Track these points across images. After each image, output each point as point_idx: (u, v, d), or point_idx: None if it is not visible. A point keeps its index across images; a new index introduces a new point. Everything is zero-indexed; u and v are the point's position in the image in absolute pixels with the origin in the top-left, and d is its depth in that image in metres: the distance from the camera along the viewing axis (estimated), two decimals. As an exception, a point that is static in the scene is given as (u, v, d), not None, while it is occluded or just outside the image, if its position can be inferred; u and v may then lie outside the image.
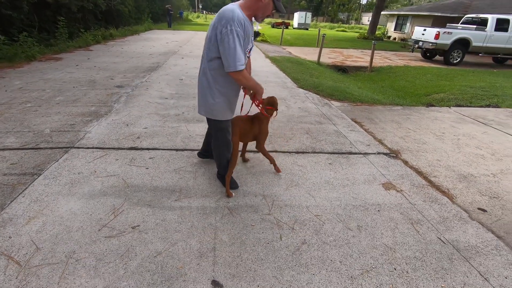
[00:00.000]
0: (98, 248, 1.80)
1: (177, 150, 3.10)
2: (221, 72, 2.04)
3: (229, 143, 2.34)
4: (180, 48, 10.83)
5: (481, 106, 5.91)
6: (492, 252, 2.02)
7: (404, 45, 17.98)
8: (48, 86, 5.05)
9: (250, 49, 2.12)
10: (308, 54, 12.52)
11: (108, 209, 2.15)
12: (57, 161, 2.73)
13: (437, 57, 12.99)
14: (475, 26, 11.78)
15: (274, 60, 9.62)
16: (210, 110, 2.18)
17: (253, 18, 2.04)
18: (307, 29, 32.86)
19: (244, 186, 2.56)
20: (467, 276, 1.80)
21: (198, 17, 37.70)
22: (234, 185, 2.51)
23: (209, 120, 2.35)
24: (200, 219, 2.12)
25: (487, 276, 1.82)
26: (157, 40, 12.94)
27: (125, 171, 2.64)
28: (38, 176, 2.48)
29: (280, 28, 17.45)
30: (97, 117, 3.83)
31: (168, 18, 21.05)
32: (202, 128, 3.68)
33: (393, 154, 3.43)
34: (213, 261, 1.77)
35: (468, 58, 12.96)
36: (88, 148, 3.01)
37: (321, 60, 11.02)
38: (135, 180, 2.52)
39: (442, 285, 1.73)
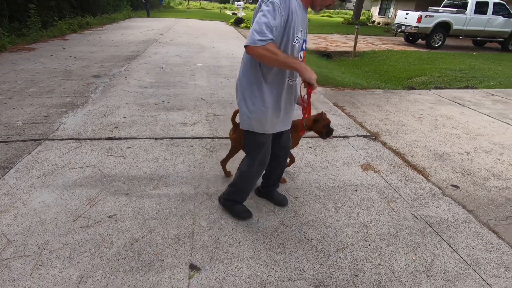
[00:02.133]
0: (72, 239, 1.77)
1: (156, 139, 3.06)
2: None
3: (260, 165, 1.88)
4: (161, 36, 10.52)
5: (460, 88, 6.05)
6: (462, 225, 2.11)
7: (388, 29, 18.04)
8: (20, 78, 4.83)
9: (302, 45, 1.62)
10: (293, 40, 12.39)
11: (83, 199, 2.11)
12: (30, 153, 2.64)
13: (419, 41, 13.13)
14: (455, 9, 11.91)
15: (257, 46, 9.47)
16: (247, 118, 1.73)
17: (309, 7, 1.63)
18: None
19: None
20: (437, 249, 1.88)
21: (180, 4, 36.54)
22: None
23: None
24: (179, 206, 2.11)
25: (456, 247, 1.90)
26: (137, 28, 12.51)
27: (102, 162, 2.58)
28: (9, 170, 2.40)
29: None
30: (72, 108, 3.71)
31: (146, 6, 20.13)
32: (182, 117, 3.63)
33: (373, 136, 3.49)
34: (191, 246, 1.78)
35: (449, 41, 13.17)
36: (62, 139, 2.92)
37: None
38: (112, 170, 2.47)
39: (413, 258, 1.80)
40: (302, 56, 1.66)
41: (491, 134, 3.72)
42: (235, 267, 1.66)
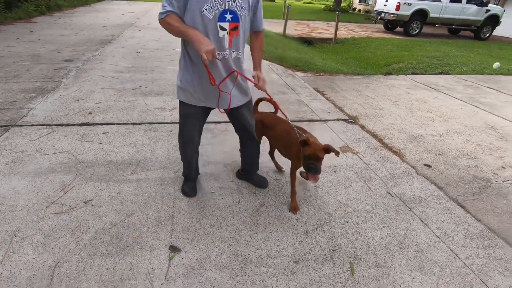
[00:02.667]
0: (46, 225, 1.71)
1: (133, 124, 2.97)
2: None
3: (182, 136, 1.94)
4: (138, 19, 10.08)
5: (434, 74, 6.25)
6: (433, 201, 2.22)
7: (368, 17, 18.21)
8: (-17, 61, 4.50)
9: (226, 16, 1.51)
10: (274, 26, 12.26)
11: (57, 186, 2.03)
12: (-4, 140, 2.50)
13: (398, 29, 13.36)
14: (432, -3, 12.15)
15: (238, 32, 9.30)
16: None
17: None
18: (274, 0, 31.99)
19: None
20: (410, 223, 1.98)
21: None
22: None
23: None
24: (158, 189, 2.08)
25: (427, 221, 2.01)
26: (112, 11, 11.91)
27: (76, 147, 2.48)
28: (-26, 157, 2.26)
29: None
30: (42, 93, 3.51)
31: None
32: (161, 102, 3.53)
33: (352, 120, 3.56)
34: (171, 228, 1.77)
35: (426, 29, 13.49)
36: (32, 125, 2.77)
37: (287, 32, 10.86)
38: (87, 156, 2.38)
39: (388, 232, 1.88)
40: (228, 28, 1.53)
41: (462, 117, 3.89)
42: (216, 247, 1.67)
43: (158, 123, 3.03)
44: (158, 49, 6.14)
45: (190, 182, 2.10)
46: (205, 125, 3.08)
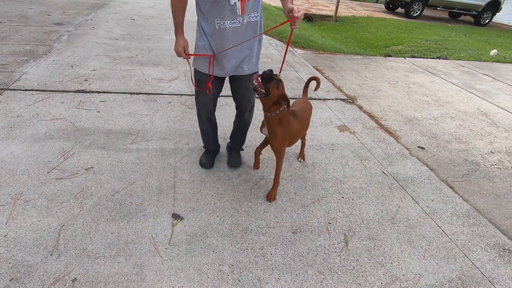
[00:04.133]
0: (48, 190, 1.72)
1: (131, 93, 2.91)
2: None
3: (196, 103, 2.00)
4: (131, -16, 9.54)
5: (433, 58, 6.25)
6: (424, 181, 2.31)
7: (370, -5, 17.71)
8: (-33, 20, 4.25)
9: None
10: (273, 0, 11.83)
11: (56, 152, 2.01)
12: (-10, 103, 2.43)
13: (399, 10, 13.09)
14: (436, -22, 11.85)
15: (237, 3, 8.95)
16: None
17: None
18: (273, -28, 30.52)
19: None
20: (402, 201, 2.07)
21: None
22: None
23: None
24: (159, 160, 2.10)
25: (417, 200, 2.10)
26: (102, -27, 11.19)
27: (73, 115, 2.44)
28: (-32, 120, 2.20)
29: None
30: (34, 57, 3.37)
31: None
32: (158, 72, 3.45)
33: (350, 100, 3.58)
34: (173, 197, 1.80)
35: (426, 12, 13.26)
36: (26, 90, 2.69)
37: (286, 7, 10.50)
38: (85, 124, 2.35)
39: (381, 208, 1.97)
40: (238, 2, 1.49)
41: (457, 102, 3.96)
42: (217, 216, 1.73)
43: (157, 93, 2.98)
44: (153, 17, 5.89)
45: (208, 154, 2.14)
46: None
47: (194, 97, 2.98)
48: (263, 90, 1.55)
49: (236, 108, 2.02)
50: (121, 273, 1.35)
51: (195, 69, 1.79)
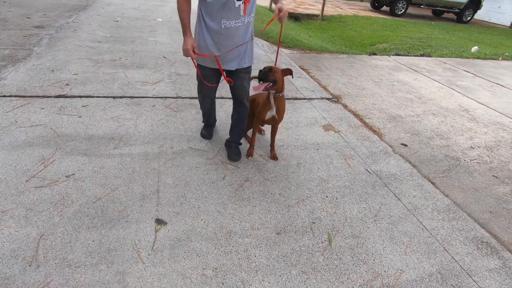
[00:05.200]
0: (27, 199, 1.68)
1: (114, 97, 2.87)
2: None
3: (200, 93, 2.25)
4: (114, -16, 9.38)
5: (416, 56, 6.38)
6: (407, 178, 2.36)
7: (356, -6, 17.91)
8: None
9: None
10: (260, -1, 11.84)
11: (36, 159, 1.97)
12: (-35, 111, 2.36)
13: (384, 8, 13.29)
14: (419, -23, 12.07)
15: (223, 3, 8.92)
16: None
17: None
18: (260, -29, 30.54)
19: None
20: (385, 198, 2.11)
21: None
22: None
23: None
24: (142, 164, 2.08)
25: (400, 196, 2.15)
26: (85, -26, 10.97)
27: (54, 120, 2.39)
28: None
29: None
30: (13, 61, 3.29)
31: None
32: (142, 75, 3.41)
33: (335, 99, 3.62)
34: (156, 202, 1.79)
35: (411, 10, 13.50)
36: (4, 96, 2.62)
37: (273, 6, 10.54)
38: (66, 129, 2.31)
39: (364, 206, 2.01)
40: (242, 2, 1.73)
41: (439, 99, 4.05)
42: (201, 220, 1.72)
43: (140, 97, 2.95)
44: (138, 18, 5.82)
45: (208, 128, 2.48)
46: (190, 101, 3.06)
47: (177, 100, 2.99)
48: (270, 84, 1.96)
49: (234, 100, 2.22)
50: (103, 281, 1.34)
51: (200, 65, 1.99)
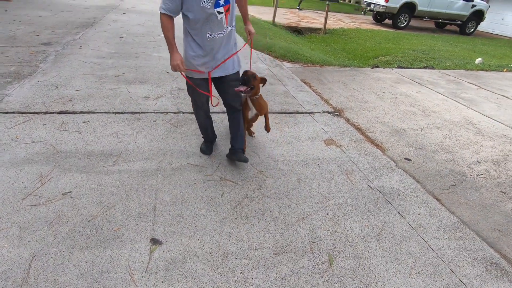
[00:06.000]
0: (22, 218, 1.66)
1: (115, 113, 2.89)
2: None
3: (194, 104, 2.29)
4: (122, 1, 9.67)
5: (419, 68, 6.36)
6: (411, 194, 2.30)
7: (358, 8, 18.18)
8: (-47, 42, 4.23)
9: (220, 1, 1.83)
10: (264, 14, 12.06)
11: (34, 177, 1.97)
12: (-32, 128, 2.38)
13: (387, 21, 13.42)
14: (421, -10, 12.22)
15: (227, 19, 9.10)
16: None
17: None
18: (264, -13, 31.27)
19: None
20: (388, 216, 2.05)
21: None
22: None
23: None
24: (140, 181, 2.06)
25: (404, 214, 2.08)
26: (94, -8, 11.34)
27: (54, 137, 2.40)
28: None
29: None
30: (18, 78, 3.35)
31: None
32: (144, 90, 3.44)
33: (337, 112, 3.59)
34: (152, 221, 1.76)
35: (413, 22, 13.61)
36: (7, 113, 2.66)
37: (277, 20, 10.71)
38: (66, 146, 2.32)
39: (366, 225, 1.94)
40: (223, 10, 1.87)
41: (443, 111, 4.00)
42: (198, 240, 1.68)
43: (141, 112, 2.96)
44: (143, 34, 5.94)
45: (207, 143, 2.50)
46: (190, 116, 3.06)
47: (178, 115, 3.00)
48: (249, 88, 2.13)
49: (229, 107, 2.28)
50: (93, 305, 1.29)
51: (190, 78, 2.09)
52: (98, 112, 2.85)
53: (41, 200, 1.80)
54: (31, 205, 1.75)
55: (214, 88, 2.21)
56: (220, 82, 2.14)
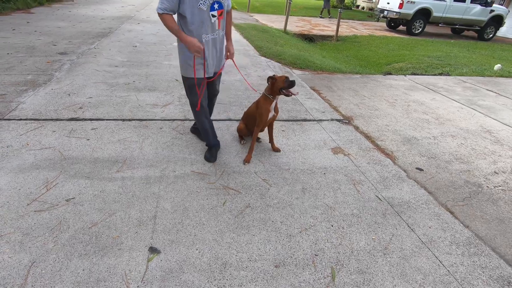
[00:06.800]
0: (25, 223, 1.69)
1: (123, 120, 2.93)
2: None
3: (192, 103, 2.38)
4: (137, 12, 9.98)
5: (434, 75, 6.19)
6: (422, 206, 2.19)
7: (371, 14, 18.03)
8: (-23, 53, 4.46)
9: (215, 5, 2.02)
10: (276, 22, 12.15)
11: (40, 182, 2.00)
12: (-17, 134, 2.47)
13: (401, 27, 13.22)
14: (436, -4, 12.00)
15: (238, 27, 9.22)
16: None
17: None
18: (276, -4, 31.59)
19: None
20: (396, 228, 1.95)
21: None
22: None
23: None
24: (143, 188, 2.06)
25: (413, 227, 1.98)
26: (111, 3, 11.80)
27: (63, 143, 2.46)
28: (-41, 151, 2.23)
29: (248, -6, 16.64)
30: (33, 86, 3.48)
31: None
32: (153, 98, 3.49)
33: (346, 120, 3.52)
34: (152, 229, 1.74)
35: (429, 28, 13.35)
36: (20, 119, 2.74)
37: (289, 28, 10.75)
38: (73, 152, 2.36)
39: (373, 237, 1.86)
40: (217, 14, 2.06)
41: (458, 119, 3.84)
42: (197, 249, 1.65)
43: (149, 119, 3.00)
44: (155, 43, 6.08)
45: (212, 149, 2.50)
46: (190, 123, 3.04)
47: (184, 122, 3.01)
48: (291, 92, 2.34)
49: (212, 96, 2.52)
50: (87, 315, 1.28)
51: (186, 77, 2.23)
52: (107, 119, 2.91)
53: (45, 206, 1.82)
54: (35, 211, 1.77)
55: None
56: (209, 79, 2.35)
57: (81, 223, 1.73)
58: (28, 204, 1.82)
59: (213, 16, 2.04)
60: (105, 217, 1.79)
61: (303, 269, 1.60)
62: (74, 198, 1.90)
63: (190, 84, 2.23)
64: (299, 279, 1.54)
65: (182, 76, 2.27)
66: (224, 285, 1.47)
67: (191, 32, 2.03)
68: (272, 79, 2.33)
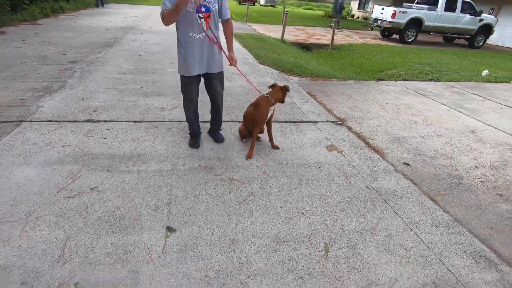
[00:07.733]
0: (57, 207, 1.92)
1: (135, 121, 3.19)
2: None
3: (185, 100, 2.67)
4: (140, 23, 10.36)
5: (425, 80, 6.51)
6: (407, 195, 2.44)
7: (365, 24, 18.59)
8: (-8, 62, 4.73)
9: (201, 7, 2.27)
10: (273, 31, 12.57)
11: (65, 174, 2.25)
12: (9, 134, 2.72)
13: (394, 36, 13.69)
14: (427, 6, 12.50)
15: (238, 37, 9.59)
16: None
17: None
18: (274, 6, 32.43)
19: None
20: (383, 213, 2.20)
21: (160, -9, 35.25)
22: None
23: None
24: (157, 180, 2.30)
25: (398, 212, 2.23)
26: (114, 14, 12.20)
27: (82, 142, 2.71)
28: (-10, 148, 2.48)
29: (247, 4, 17.17)
30: (49, 92, 3.74)
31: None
32: (160, 102, 3.76)
33: (340, 121, 3.79)
34: (168, 212, 1.98)
35: (421, 37, 13.82)
36: (41, 121, 3.00)
37: (286, 37, 11.15)
38: (92, 149, 2.61)
39: (362, 220, 2.10)
40: (203, 16, 2.31)
41: (445, 121, 4.13)
42: (207, 229, 1.89)
43: (158, 121, 3.25)
44: (159, 52, 6.39)
45: (195, 138, 2.85)
46: (202, 124, 3.33)
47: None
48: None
49: (211, 100, 2.80)
50: (118, 278, 1.51)
51: (182, 76, 2.53)
52: (120, 121, 3.16)
53: (72, 193, 2.06)
54: (64, 197, 2.01)
55: (203, 83, 2.68)
56: (207, 79, 2.64)
57: (105, 207, 1.97)
58: (57, 192, 2.06)
59: (200, 17, 2.31)
60: (125, 202, 2.03)
61: (300, 244, 1.84)
62: (97, 187, 2.15)
63: (181, 81, 2.59)
64: (297, 252, 1.78)
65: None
66: (232, 256, 1.70)
67: (180, 33, 2.38)
68: (285, 89, 2.78)
